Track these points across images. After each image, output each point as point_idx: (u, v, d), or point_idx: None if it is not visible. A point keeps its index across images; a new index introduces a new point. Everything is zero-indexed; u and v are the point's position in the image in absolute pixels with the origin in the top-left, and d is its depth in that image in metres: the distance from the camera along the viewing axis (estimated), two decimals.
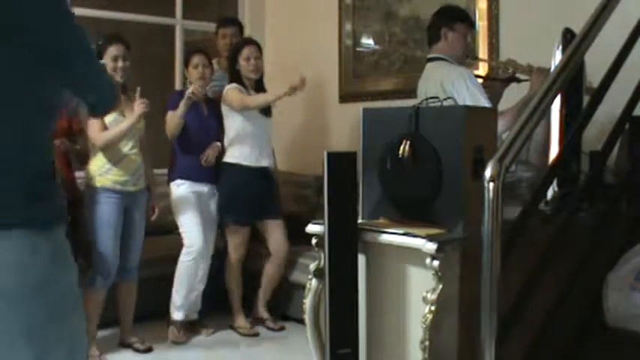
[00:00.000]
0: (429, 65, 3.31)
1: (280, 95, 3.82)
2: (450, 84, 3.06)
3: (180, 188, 4.01)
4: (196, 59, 4.03)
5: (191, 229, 3.98)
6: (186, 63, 4.11)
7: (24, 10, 1.40)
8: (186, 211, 3.99)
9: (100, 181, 3.59)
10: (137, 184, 3.71)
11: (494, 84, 3.39)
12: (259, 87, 4.10)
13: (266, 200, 4.13)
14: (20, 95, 1.43)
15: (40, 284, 1.42)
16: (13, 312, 1.40)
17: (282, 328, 4.16)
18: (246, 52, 4.03)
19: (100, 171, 3.60)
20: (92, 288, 3.58)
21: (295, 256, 4.19)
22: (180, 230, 4.02)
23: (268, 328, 4.16)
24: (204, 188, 4.05)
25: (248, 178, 4.04)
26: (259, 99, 3.99)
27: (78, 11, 5.32)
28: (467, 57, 3.38)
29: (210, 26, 4.86)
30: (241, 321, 4.14)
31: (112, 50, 3.64)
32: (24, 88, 1.43)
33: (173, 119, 3.93)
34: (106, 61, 3.61)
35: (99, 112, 1.90)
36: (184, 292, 3.97)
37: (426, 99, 2.43)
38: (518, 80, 3.26)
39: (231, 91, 4.01)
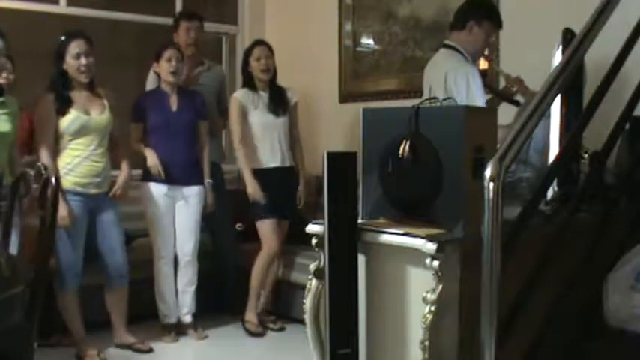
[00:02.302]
0: (442, 51, 3.29)
1: (249, 181, 3.95)
2: (453, 80, 3.06)
3: (149, 190, 3.93)
4: (169, 53, 3.92)
5: (158, 233, 3.95)
6: (157, 57, 3.95)
7: None
8: (154, 214, 3.93)
9: (61, 182, 3.45)
10: (101, 186, 3.61)
11: (493, 97, 3.39)
12: (273, 86, 4.10)
13: (283, 198, 4.09)
14: None
15: None
16: None
17: (282, 328, 4.16)
18: (256, 52, 4.07)
19: (62, 172, 3.47)
20: (62, 290, 3.57)
21: (295, 256, 4.19)
22: (150, 235, 3.98)
23: (269, 328, 4.16)
24: (175, 190, 3.95)
25: (261, 177, 4.00)
26: (239, 158, 4.03)
27: (78, 11, 5.34)
28: (483, 56, 3.33)
29: (210, 26, 4.85)
30: (251, 317, 4.11)
31: (74, 47, 3.50)
32: None
33: (136, 147, 3.94)
34: (68, 59, 3.51)
35: None
36: (161, 294, 3.98)
37: (427, 99, 2.43)
38: (517, 103, 3.24)
39: (231, 103, 4.07)
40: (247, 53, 4.13)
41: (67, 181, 3.50)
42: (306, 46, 5.16)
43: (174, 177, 3.93)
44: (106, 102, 3.68)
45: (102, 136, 3.61)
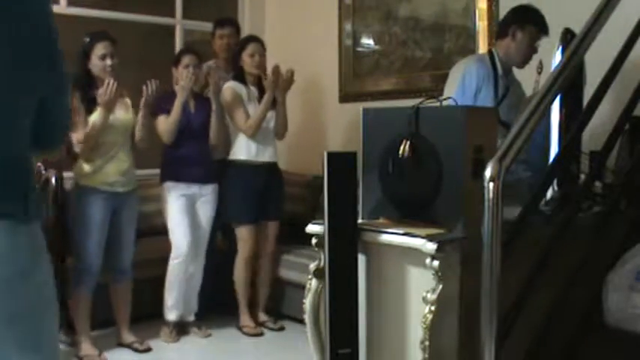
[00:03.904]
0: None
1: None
2: (451, 73, 3.14)
3: (169, 190, 3.96)
4: (187, 59, 3.98)
5: (178, 233, 3.95)
6: (175, 63, 4.03)
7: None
8: (173, 214, 3.95)
9: (88, 181, 3.55)
10: (127, 185, 3.67)
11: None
12: (260, 82, 4.10)
13: (267, 198, 4.11)
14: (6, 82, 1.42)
15: (21, 274, 1.44)
16: None
17: (282, 328, 4.16)
18: (250, 48, 4.09)
19: (89, 171, 3.55)
20: (78, 287, 3.59)
21: (294, 256, 4.19)
22: (169, 233, 3.99)
23: (268, 328, 4.17)
24: (194, 188, 3.99)
25: (248, 174, 4.04)
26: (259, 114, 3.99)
27: (78, 11, 5.33)
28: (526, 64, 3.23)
29: (210, 26, 4.85)
30: (246, 320, 4.13)
31: (100, 48, 3.59)
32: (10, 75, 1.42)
33: (168, 123, 3.88)
34: (94, 59, 3.57)
35: (45, 144, 1.61)
36: (174, 293, 3.98)
37: (427, 99, 2.43)
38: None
39: (225, 92, 4.05)
40: (241, 48, 4.14)
41: (94, 180, 3.56)
42: (306, 46, 5.16)
43: (192, 176, 3.98)
44: (128, 101, 3.77)
45: (127, 135, 3.68)
